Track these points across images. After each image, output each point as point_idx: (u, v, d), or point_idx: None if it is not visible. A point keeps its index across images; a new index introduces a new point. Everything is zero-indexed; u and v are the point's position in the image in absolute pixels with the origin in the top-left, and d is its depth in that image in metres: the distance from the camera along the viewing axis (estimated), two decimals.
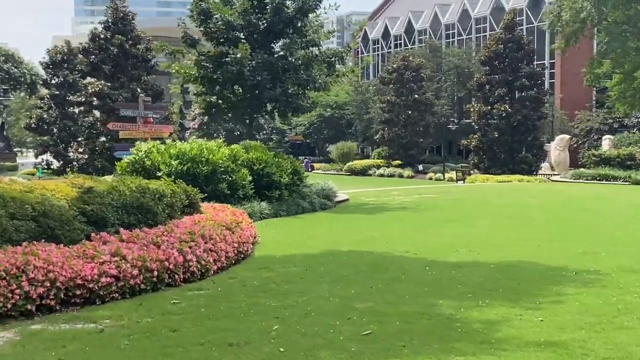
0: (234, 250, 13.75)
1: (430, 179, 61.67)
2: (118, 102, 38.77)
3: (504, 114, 52.65)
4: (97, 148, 47.66)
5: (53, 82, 56.14)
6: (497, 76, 54.35)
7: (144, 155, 22.28)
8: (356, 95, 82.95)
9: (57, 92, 55.50)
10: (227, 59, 28.82)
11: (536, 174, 52.77)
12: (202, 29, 29.34)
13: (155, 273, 11.42)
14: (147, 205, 14.08)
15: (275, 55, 29.74)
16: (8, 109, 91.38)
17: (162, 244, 12.19)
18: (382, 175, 64.37)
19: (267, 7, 29.46)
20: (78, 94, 51.05)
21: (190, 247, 12.41)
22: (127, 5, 49.55)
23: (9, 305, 9.77)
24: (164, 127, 37.14)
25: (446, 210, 24.70)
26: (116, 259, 11.17)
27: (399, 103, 69.59)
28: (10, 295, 9.78)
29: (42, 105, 56.79)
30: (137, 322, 9.32)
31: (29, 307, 9.93)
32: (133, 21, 49.19)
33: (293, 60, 29.68)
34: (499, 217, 22.36)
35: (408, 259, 13.99)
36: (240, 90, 29.72)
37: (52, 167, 56.12)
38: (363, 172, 66.91)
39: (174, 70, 30.36)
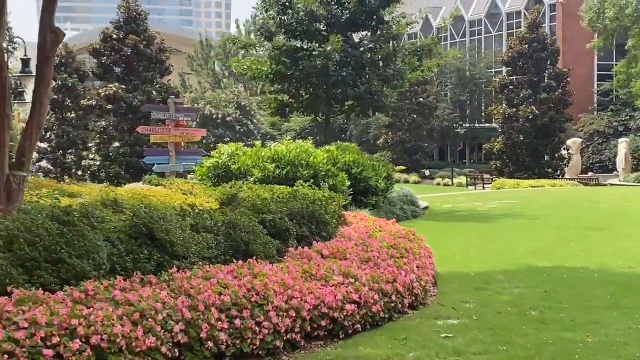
0: (431, 266, 11.63)
1: (438, 184, 59.96)
2: (147, 105, 36.24)
3: (530, 116, 50.56)
4: (110, 154, 44.89)
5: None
6: (521, 77, 52.40)
7: (227, 159, 20.03)
8: None
9: (55, 97, 52.74)
10: (302, 54, 26.30)
11: (561, 178, 50.80)
12: (277, 20, 26.68)
13: (393, 297, 9.32)
14: (318, 213, 11.92)
15: (361, 49, 27.31)
16: None
17: (379, 262, 10.06)
18: None
19: None
20: (88, 97, 48.27)
21: (404, 264, 10.30)
22: (140, 4, 46.88)
23: (257, 342, 7.64)
24: (196, 131, 34.77)
25: (560, 218, 21.90)
26: (350, 280, 9.03)
27: (403, 106, 67.59)
28: (257, 329, 7.64)
29: None
30: None
31: (277, 343, 7.82)
32: (146, 20, 46.62)
33: (375, 54, 27.17)
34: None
35: None
36: (311, 89, 27.22)
37: (49, 175, 53.44)
38: None
39: (245, 66, 27.74)
